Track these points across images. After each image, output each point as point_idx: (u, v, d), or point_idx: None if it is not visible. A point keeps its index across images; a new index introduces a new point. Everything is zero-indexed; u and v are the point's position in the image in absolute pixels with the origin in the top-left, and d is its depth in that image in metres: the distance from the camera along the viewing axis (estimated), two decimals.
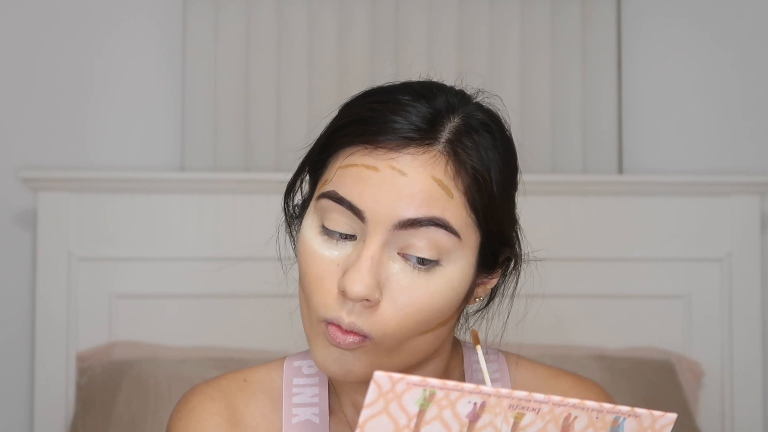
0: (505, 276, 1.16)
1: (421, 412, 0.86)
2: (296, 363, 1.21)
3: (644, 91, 3.03)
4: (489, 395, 0.86)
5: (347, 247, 1.06)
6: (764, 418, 2.93)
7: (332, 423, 1.17)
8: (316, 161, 1.11)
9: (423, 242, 1.04)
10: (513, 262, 1.15)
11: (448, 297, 1.07)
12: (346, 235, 1.06)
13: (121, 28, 2.92)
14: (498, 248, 1.11)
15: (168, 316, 2.79)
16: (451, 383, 0.85)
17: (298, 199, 1.19)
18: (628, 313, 2.87)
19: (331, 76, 2.89)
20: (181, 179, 2.82)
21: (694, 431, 2.62)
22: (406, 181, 1.04)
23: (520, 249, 1.15)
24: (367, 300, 1.04)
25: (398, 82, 1.13)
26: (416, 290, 1.06)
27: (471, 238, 1.07)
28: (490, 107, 1.13)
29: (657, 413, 0.89)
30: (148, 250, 2.80)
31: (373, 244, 1.04)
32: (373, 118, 1.06)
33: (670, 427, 0.90)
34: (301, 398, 1.18)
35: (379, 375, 0.84)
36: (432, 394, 0.85)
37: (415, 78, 1.17)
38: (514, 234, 1.14)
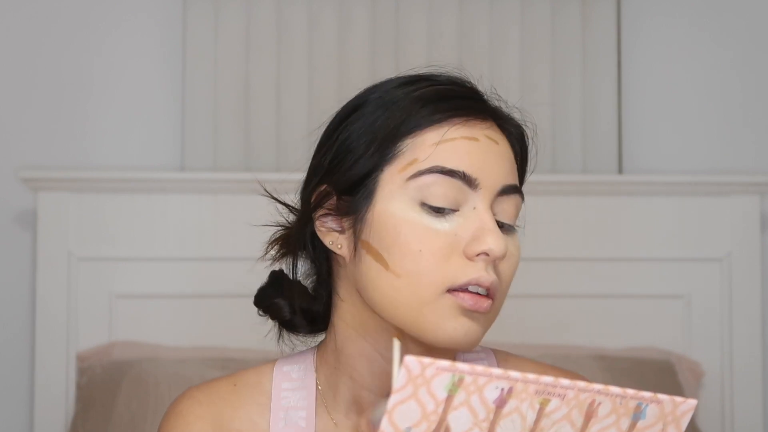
0: None
1: (449, 398, 0.86)
2: (286, 368, 1.22)
3: (644, 91, 3.03)
4: (516, 381, 0.86)
5: (455, 218, 1.09)
6: (764, 418, 2.93)
7: (318, 426, 1.18)
8: (378, 153, 1.11)
9: (510, 209, 1.11)
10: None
11: (519, 260, 1.14)
12: (444, 209, 1.09)
13: (121, 28, 2.92)
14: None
15: (168, 316, 2.79)
16: (479, 368, 0.85)
17: (290, 200, 1.22)
18: (628, 313, 2.87)
19: (331, 76, 2.89)
20: (181, 179, 2.82)
21: (694, 431, 2.62)
22: (500, 150, 1.11)
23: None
24: (501, 258, 1.09)
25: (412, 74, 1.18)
26: (512, 251, 1.12)
27: None
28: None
29: (678, 399, 0.90)
30: (148, 250, 2.80)
31: (488, 209, 1.09)
32: (454, 95, 1.12)
33: (691, 414, 0.90)
34: (289, 402, 1.19)
35: (409, 359, 0.84)
36: (461, 380, 0.85)
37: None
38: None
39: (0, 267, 2.86)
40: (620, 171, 2.98)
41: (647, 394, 0.89)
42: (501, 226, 1.10)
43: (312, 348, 1.24)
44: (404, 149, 1.10)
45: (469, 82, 1.17)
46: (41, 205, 2.77)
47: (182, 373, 2.52)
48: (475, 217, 1.08)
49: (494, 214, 1.10)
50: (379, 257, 1.10)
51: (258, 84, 2.89)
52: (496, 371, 0.86)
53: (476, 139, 1.09)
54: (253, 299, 1.27)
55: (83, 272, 2.78)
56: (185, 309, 2.79)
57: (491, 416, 0.87)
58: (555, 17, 2.97)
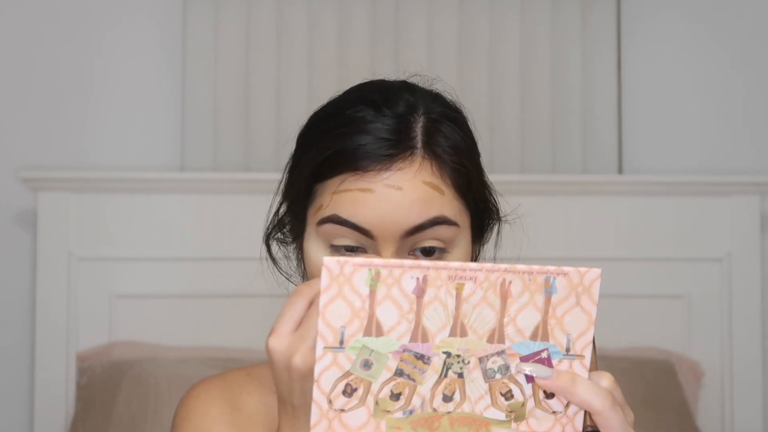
0: (484, 235, 1.22)
1: (372, 293, 0.90)
2: None
3: (644, 91, 3.03)
4: (428, 268, 0.90)
5: None
6: (764, 418, 2.93)
7: None
8: (302, 191, 1.15)
9: (429, 241, 1.11)
10: (491, 221, 1.22)
11: None
12: (356, 248, 1.11)
13: (121, 28, 2.92)
14: (484, 217, 1.19)
15: (168, 316, 2.79)
16: (393, 261, 0.90)
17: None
18: (628, 313, 2.87)
19: (331, 76, 2.89)
20: (181, 179, 2.82)
21: (695, 431, 2.62)
22: (402, 195, 1.10)
23: (497, 209, 1.22)
24: None
25: (350, 92, 1.21)
26: None
27: (465, 220, 1.14)
28: (430, 88, 1.20)
29: (583, 269, 0.94)
30: (148, 250, 2.80)
31: (386, 256, 1.10)
32: (352, 147, 1.11)
33: (598, 282, 0.94)
34: None
35: (327, 260, 0.89)
36: (378, 273, 0.90)
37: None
38: (491, 197, 1.21)
39: (0, 267, 2.86)
40: (620, 171, 2.98)
41: (552, 268, 0.93)
42: (430, 251, 1.11)
43: None
44: (316, 193, 1.14)
45: (400, 111, 1.14)
46: (41, 205, 2.77)
47: (182, 373, 2.52)
48: None
49: (413, 248, 1.11)
50: None
51: (258, 84, 2.89)
52: (408, 261, 0.91)
53: (372, 191, 1.10)
54: None
55: (83, 272, 2.78)
56: (185, 309, 2.79)
57: (415, 307, 0.91)
58: (555, 17, 2.97)
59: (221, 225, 2.80)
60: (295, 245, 1.20)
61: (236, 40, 2.90)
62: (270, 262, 1.24)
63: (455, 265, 0.91)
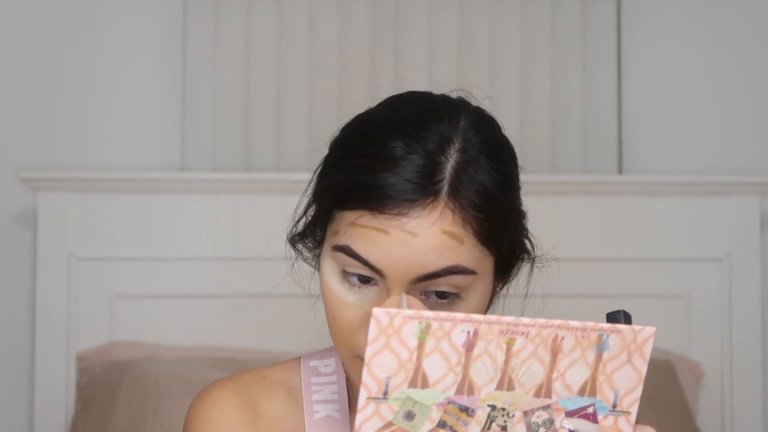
0: (509, 273, 1.17)
1: (421, 345, 0.88)
2: (312, 363, 1.21)
3: (644, 91, 3.03)
4: (480, 322, 0.89)
5: (370, 291, 1.08)
6: (764, 418, 2.93)
7: (352, 419, 1.17)
8: (324, 210, 1.11)
9: (443, 287, 1.07)
10: (520, 261, 1.17)
11: None
12: (369, 278, 1.08)
13: (121, 27, 2.92)
14: (511, 257, 1.14)
15: (168, 316, 2.79)
16: (443, 314, 0.88)
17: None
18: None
19: (331, 76, 2.89)
20: (181, 179, 2.82)
21: (695, 431, 2.62)
22: (417, 241, 1.05)
23: (532, 246, 1.18)
24: None
25: (386, 108, 1.12)
26: None
27: (486, 265, 1.09)
28: (479, 105, 1.15)
29: (637, 327, 0.93)
30: (148, 250, 2.80)
31: (396, 295, 1.06)
32: (374, 185, 1.06)
33: (651, 340, 0.93)
34: (321, 396, 1.19)
35: (377, 311, 0.87)
36: (428, 326, 0.88)
37: (413, 83, 1.16)
38: (523, 240, 1.15)
39: (0, 267, 2.86)
40: (620, 171, 2.98)
41: (606, 325, 0.92)
42: (444, 295, 1.07)
43: None
44: (334, 217, 1.10)
45: (430, 148, 1.07)
46: (41, 205, 2.77)
47: (182, 373, 2.52)
48: (384, 298, 1.07)
49: (425, 290, 1.07)
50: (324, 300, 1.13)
51: (258, 84, 2.89)
52: (459, 315, 0.89)
53: (386, 232, 1.05)
54: None
55: (83, 272, 2.78)
56: (185, 309, 2.79)
57: (463, 360, 0.89)
58: (555, 17, 2.97)
59: (221, 225, 2.80)
60: (315, 253, 1.17)
61: (236, 40, 2.90)
62: (292, 261, 1.21)
63: (508, 319, 0.89)
